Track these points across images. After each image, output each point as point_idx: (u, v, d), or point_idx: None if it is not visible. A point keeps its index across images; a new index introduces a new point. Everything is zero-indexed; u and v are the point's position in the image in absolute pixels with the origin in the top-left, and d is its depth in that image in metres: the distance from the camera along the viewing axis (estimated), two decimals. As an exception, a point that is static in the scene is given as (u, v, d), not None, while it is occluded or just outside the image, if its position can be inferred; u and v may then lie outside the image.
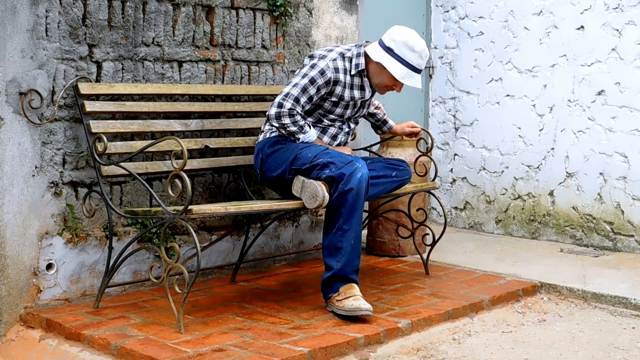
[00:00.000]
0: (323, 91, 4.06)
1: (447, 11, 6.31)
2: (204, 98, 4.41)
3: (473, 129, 6.21)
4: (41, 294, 3.85)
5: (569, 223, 5.69)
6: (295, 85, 4.01)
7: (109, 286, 3.97)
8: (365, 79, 4.17)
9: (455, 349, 3.74)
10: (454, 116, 6.32)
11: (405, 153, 5.07)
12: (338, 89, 4.09)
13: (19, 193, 3.75)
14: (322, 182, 3.83)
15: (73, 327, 3.57)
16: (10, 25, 3.67)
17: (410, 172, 4.37)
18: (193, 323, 3.67)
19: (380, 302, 4.07)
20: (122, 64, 4.11)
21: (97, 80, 4.02)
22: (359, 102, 4.22)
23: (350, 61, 4.12)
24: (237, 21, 4.61)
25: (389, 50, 4.06)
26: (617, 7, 5.40)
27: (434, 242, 4.75)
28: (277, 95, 4.14)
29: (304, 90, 4.00)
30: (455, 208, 6.36)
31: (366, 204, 4.44)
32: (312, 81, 4.01)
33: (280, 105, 3.97)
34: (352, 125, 4.30)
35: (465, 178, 6.28)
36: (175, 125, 4.17)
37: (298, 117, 4.00)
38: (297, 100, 3.98)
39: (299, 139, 4.03)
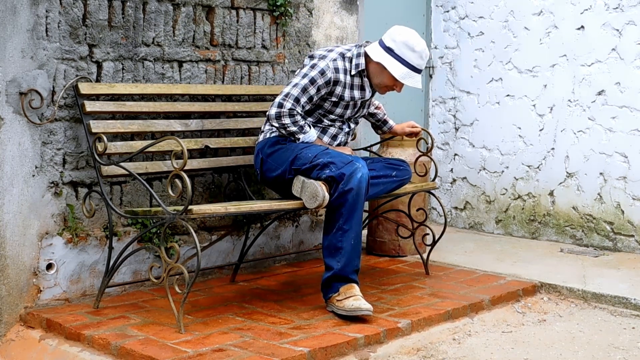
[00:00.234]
0: (323, 91, 4.06)
1: (447, 11, 6.31)
2: (204, 98, 4.41)
3: (473, 129, 6.21)
4: (41, 294, 3.85)
5: (569, 223, 5.69)
6: (296, 85, 4.01)
7: (109, 286, 3.97)
8: (366, 79, 4.17)
9: (455, 349, 3.74)
10: (454, 116, 6.32)
11: (405, 153, 5.07)
12: (338, 89, 4.09)
13: (19, 193, 3.75)
14: (322, 182, 3.83)
15: (73, 327, 3.57)
16: (11, 25, 3.67)
17: (410, 172, 4.37)
18: (193, 323, 3.67)
19: (380, 302, 4.07)
20: (122, 64, 4.11)
21: (97, 80, 4.02)
22: (359, 102, 4.22)
23: (351, 61, 4.12)
24: (237, 21, 4.61)
25: (389, 50, 4.06)
26: (617, 7, 5.40)
27: (434, 242, 4.75)
28: (277, 95, 4.14)
29: (304, 90, 4.00)
30: (456, 208, 6.36)
31: (366, 204, 4.43)
32: (312, 81, 4.01)
33: (280, 106, 3.97)
34: (352, 126, 4.30)
35: (465, 178, 6.28)
36: (175, 125, 4.17)
37: (298, 117, 4.00)
38: (297, 100, 3.98)
39: (299, 139, 4.03)
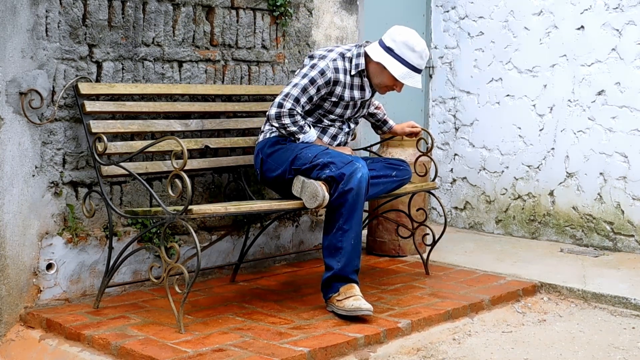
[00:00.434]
0: (323, 91, 4.06)
1: (447, 11, 6.31)
2: (204, 98, 4.41)
3: (473, 129, 6.21)
4: (41, 294, 3.85)
5: (569, 223, 5.69)
6: (295, 85, 4.01)
7: (109, 286, 3.97)
8: (365, 79, 4.17)
9: (455, 349, 3.74)
10: (454, 116, 6.32)
11: (405, 153, 5.07)
12: (338, 89, 4.09)
13: (19, 193, 3.75)
14: (322, 182, 3.83)
15: (73, 327, 3.57)
16: (10, 25, 3.67)
17: (410, 172, 4.37)
18: (193, 323, 3.67)
19: (380, 302, 4.07)
20: (122, 64, 4.11)
21: (97, 80, 4.02)
22: (359, 102, 4.22)
23: (350, 61, 4.12)
24: (237, 21, 4.61)
25: (389, 50, 4.06)
26: (617, 7, 5.40)
27: (434, 242, 4.75)
28: (277, 95, 4.14)
29: (304, 90, 4.00)
30: (455, 208, 6.36)
31: (366, 204, 4.44)
32: (312, 81, 4.01)
33: (280, 106, 3.97)
34: (352, 126, 4.30)
35: (465, 178, 6.28)
36: (175, 125, 4.17)
37: (298, 117, 3.99)
38: (297, 100, 3.98)
39: (299, 139, 4.03)
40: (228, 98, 4.53)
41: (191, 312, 3.83)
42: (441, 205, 4.62)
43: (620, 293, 4.40)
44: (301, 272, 4.74)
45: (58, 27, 3.85)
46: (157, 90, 4.16)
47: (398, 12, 6.10)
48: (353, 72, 4.11)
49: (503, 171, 6.04)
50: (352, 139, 4.45)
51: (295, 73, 4.17)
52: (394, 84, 4.14)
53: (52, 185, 3.89)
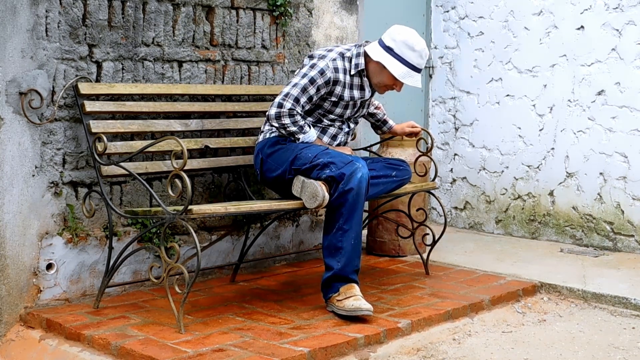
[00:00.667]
0: (323, 91, 4.06)
1: (447, 11, 6.31)
2: (204, 98, 4.41)
3: (473, 129, 6.21)
4: (41, 294, 3.85)
5: (569, 223, 5.69)
6: (295, 85, 4.00)
7: (109, 286, 3.97)
8: (365, 79, 4.17)
9: (455, 349, 3.74)
10: (454, 116, 6.32)
11: (405, 153, 5.07)
12: (338, 89, 4.09)
13: (19, 193, 3.75)
14: (322, 182, 3.83)
15: (73, 327, 3.57)
16: (10, 25, 3.67)
17: (410, 172, 4.37)
18: (193, 323, 3.67)
19: (380, 302, 4.07)
20: (122, 64, 4.11)
21: (97, 80, 4.02)
22: (358, 102, 4.22)
23: (350, 61, 4.12)
24: (237, 21, 4.61)
25: (388, 49, 4.06)
26: (617, 7, 5.40)
27: (434, 242, 4.75)
28: (277, 95, 4.14)
29: (304, 90, 4.00)
30: (455, 208, 6.36)
31: (366, 204, 4.43)
32: (312, 81, 4.01)
33: (280, 106, 3.97)
34: (351, 125, 4.30)
35: (465, 178, 6.28)
36: (175, 125, 4.17)
37: (298, 117, 3.99)
38: (297, 100, 3.98)
39: (298, 139, 4.03)
40: (228, 98, 4.53)
41: (191, 312, 3.83)
42: (441, 205, 4.62)
43: (620, 293, 4.40)
44: (301, 272, 4.74)
45: (58, 27, 3.85)
46: (157, 90, 4.16)
47: (398, 12, 6.10)
48: (353, 72, 4.11)
49: (503, 171, 6.04)
50: (352, 139, 4.45)
51: (295, 73, 4.17)
52: (394, 84, 4.14)
53: (52, 185, 3.89)
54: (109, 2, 4.03)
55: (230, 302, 4.05)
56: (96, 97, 3.94)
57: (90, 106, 3.86)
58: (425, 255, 4.78)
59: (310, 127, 4.07)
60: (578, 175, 5.63)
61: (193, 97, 4.36)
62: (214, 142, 4.29)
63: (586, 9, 5.54)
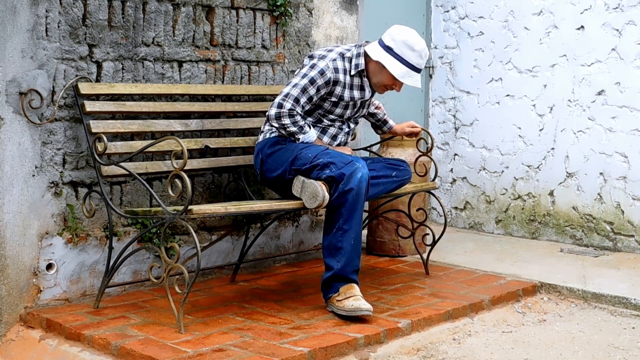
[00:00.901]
0: (323, 91, 4.06)
1: (447, 11, 6.31)
2: (204, 98, 4.41)
3: (473, 129, 6.21)
4: (41, 294, 3.85)
5: (569, 223, 5.69)
6: (295, 85, 4.00)
7: (109, 286, 3.97)
8: (365, 79, 4.17)
9: (455, 349, 3.74)
10: (454, 116, 6.32)
11: (405, 153, 5.07)
12: (338, 89, 4.09)
13: (19, 193, 3.75)
14: (322, 182, 3.83)
15: (73, 327, 3.57)
16: (10, 25, 3.67)
17: (410, 172, 4.37)
18: (193, 323, 3.67)
19: (380, 302, 4.07)
20: (122, 64, 4.11)
21: (97, 80, 4.02)
22: (358, 102, 4.22)
23: (350, 61, 4.12)
24: (237, 21, 4.61)
25: (388, 49, 4.06)
26: (617, 7, 5.40)
27: (434, 242, 4.75)
28: (277, 95, 4.14)
29: (304, 90, 4.00)
30: (455, 208, 6.36)
31: (366, 204, 4.43)
32: (312, 81, 4.01)
33: (280, 106, 3.97)
34: (352, 126, 4.30)
35: (465, 178, 6.28)
36: (175, 125, 4.17)
37: (298, 118, 3.99)
38: (297, 100, 3.98)
39: (298, 139, 4.03)
40: (228, 98, 4.53)
41: (191, 312, 3.83)
42: (441, 205, 4.62)
43: (620, 293, 4.40)
44: (301, 272, 4.74)
45: (58, 27, 3.85)
46: (157, 90, 4.16)
47: (398, 12, 6.10)
48: (353, 72, 4.11)
49: (503, 171, 6.04)
50: (352, 139, 4.45)
51: (295, 73, 4.17)
52: (393, 83, 4.14)
53: (52, 185, 3.89)
54: (109, 2, 4.03)
55: (230, 302, 4.05)
56: (96, 97, 3.94)
57: (90, 106, 3.86)
58: (425, 255, 4.78)
59: (310, 127, 4.07)
60: (578, 175, 5.63)
61: (193, 97, 4.36)
62: (214, 142, 4.29)
63: (586, 9, 5.54)
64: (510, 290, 4.43)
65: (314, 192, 3.81)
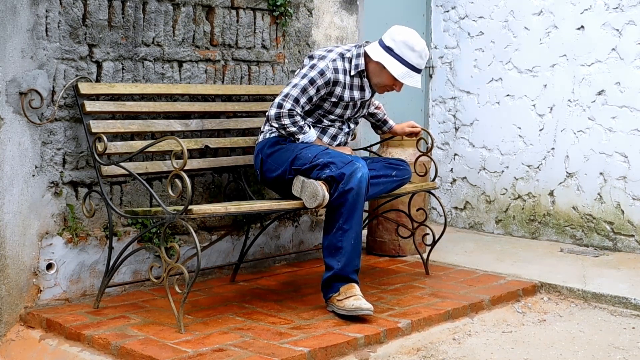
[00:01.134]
0: (323, 92, 4.06)
1: (447, 11, 6.31)
2: (204, 98, 4.41)
3: (473, 129, 6.21)
4: (41, 294, 3.85)
5: (569, 223, 5.69)
6: (295, 85, 4.00)
7: (109, 286, 3.97)
8: (365, 80, 4.17)
9: (455, 349, 3.74)
10: (454, 116, 6.32)
11: (405, 153, 5.07)
12: (338, 90, 4.09)
13: (19, 193, 3.75)
14: (322, 182, 3.83)
15: (73, 327, 3.57)
16: (10, 25, 3.67)
17: (410, 172, 4.37)
18: (193, 323, 3.67)
19: (380, 302, 4.07)
20: (122, 63, 4.11)
21: (97, 80, 4.02)
22: (358, 103, 4.22)
23: (350, 62, 4.12)
24: (237, 21, 4.61)
25: (388, 49, 4.06)
26: (617, 7, 5.40)
27: (434, 242, 4.75)
28: (277, 95, 4.14)
29: (304, 90, 4.00)
30: (455, 208, 6.36)
31: (366, 203, 4.43)
32: (312, 82, 4.01)
33: (280, 106, 3.97)
34: (352, 126, 4.30)
35: (465, 178, 6.28)
36: (175, 125, 4.17)
37: (298, 118, 3.99)
38: (296, 100, 3.98)
39: (298, 139, 4.03)
40: (228, 98, 4.53)
41: (191, 312, 3.83)
42: (441, 205, 4.62)
43: (620, 293, 4.40)
44: (301, 272, 4.74)
45: (58, 27, 3.85)
46: (157, 90, 4.16)
47: (398, 12, 6.10)
48: (353, 73, 4.11)
49: (503, 171, 6.04)
50: (352, 139, 4.45)
51: (295, 73, 4.17)
52: (394, 84, 4.14)
53: (52, 185, 3.89)
54: (109, 2, 4.03)
55: (230, 302, 4.05)
56: (96, 97, 3.94)
57: (90, 106, 3.86)
58: (425, 255, 4.78)
59: (310, 128, 4.07)
60: (578, 175, 5.63)
61: (193, 97, 4.36)
62: (214, 142, 4.29)
63: (586, 9, 5.54)
64: (510, 290, 4.43)
65: (314, 191, 3.81)
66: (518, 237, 5.93)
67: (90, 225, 4.04)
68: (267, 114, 4.05)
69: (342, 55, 4.12)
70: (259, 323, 3.71)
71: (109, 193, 4.09)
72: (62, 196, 3.92)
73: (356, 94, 4.16)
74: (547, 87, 5.76)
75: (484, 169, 6.15)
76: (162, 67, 4.28)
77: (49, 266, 3.88)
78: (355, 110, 4.25)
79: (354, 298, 3.74)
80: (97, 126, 3.84)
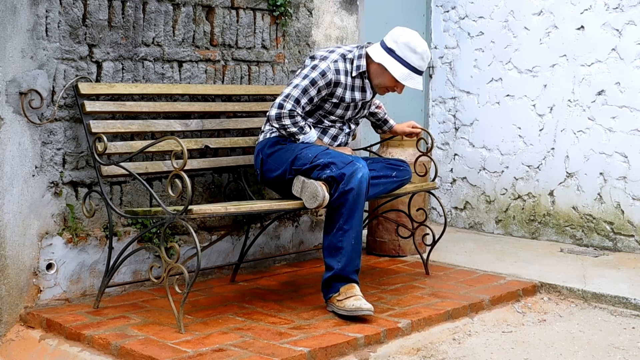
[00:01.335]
0: (324, 92, 4.06)
1: (447, 11, 6.31)
2: (204, 98, 4.42)
3: (473, 129, 6.21)
4: (41, 294, 3.85)
5: (569, 223, 5.69)
6: (296, 86, 4.00)
7: (109, 286, 3.97)
8: (367, 81, 4.17)
9: (455, 349, 3.74)
10: (454, 116, 6.32)
11: (405, 153, 5.07)
12: (339, 91, 4.09)
13: (19, 193, 3.75)
14: (323, 182, 3.83)
15: (73, 327, 3.57)
16: (10, 25, 3.67)
17: (410, 172, 4.37)
18: (193, 323, 3.67)
19: (380, 302, 4.07)
20: (122, 64, 4.11)
21: (97, 80, 4.02)
22: (359, 104, 4.22)
23: (352, 63, 4.12)
24: (237, 21, 4.61)
25: (390, 51, 4.06)
26: (617, 7, 5.40)
27: (434, 242, 4.75)
28: (277, 95, 4.14)
29: (305, 91, 4.00)
30: (455, 208, 6.36)
31: (366, 204, 4.43)
32: (313, 82, 4.01)
33: (280, 107, 3.97)
34: (352, 126, 4.30)
35: (465, 178, 6.28)
36: (175, 125, 4.17)
37: (298, 118, 3.99)
38: (297, 101, 3.98)
39: (299, 139, 4.03)
40: (228, 98, 4.53)
41: (191, 312, 3.83)
42: (441, 205, 4.62)
43: (620, 293, 4.40)
44: (301, 272, 4.74)
45: (58, 27, 3.85)
46: (157, 90, 4.16)
47: (398, 12, 6.10)
48: (354, 74, 4.11)
49: (503, 171, 6.04)
50: (353, 140, 4.45)
51: (296, 74, 4.16)
52: (395, 85, 4.14)
53: (52, 185, 3.89)
54: (109, 2, 4.03)
55: (230, 302, 4.05)
56: (96, 97, 3.94)
57: (90, 106, 3.86)
58: (425, 255, 4.78)
59: (310, 128, 4.07)
60: (578, 175, 5.63)
61: (193, 97, 4.36)
62: (214, 142, 4.29)
63: (586, 9, 5.54)
64: (510, 290, 4.43)
65: (314, 192, 3.81)
66: (518, 237, 5.93)
67: (90, 225, 4.04)
68: (267, 114, 4.05)
69: (343, 56, 4.12)
70: (259, 323, 3.71)
71: (109, 193, 4.09)
72: (62, 196, 3.92)
73: (357, 95, 4.16)
74: (547, 87, 5.76)
75: (484, 169, 6.15)
76: (162, 67, 4.28)
77: (49, 266, 3.88)
78: (356, 111, 4.25)
79: (354, 298, 3.75)
80: (97, 126, 3.84)
